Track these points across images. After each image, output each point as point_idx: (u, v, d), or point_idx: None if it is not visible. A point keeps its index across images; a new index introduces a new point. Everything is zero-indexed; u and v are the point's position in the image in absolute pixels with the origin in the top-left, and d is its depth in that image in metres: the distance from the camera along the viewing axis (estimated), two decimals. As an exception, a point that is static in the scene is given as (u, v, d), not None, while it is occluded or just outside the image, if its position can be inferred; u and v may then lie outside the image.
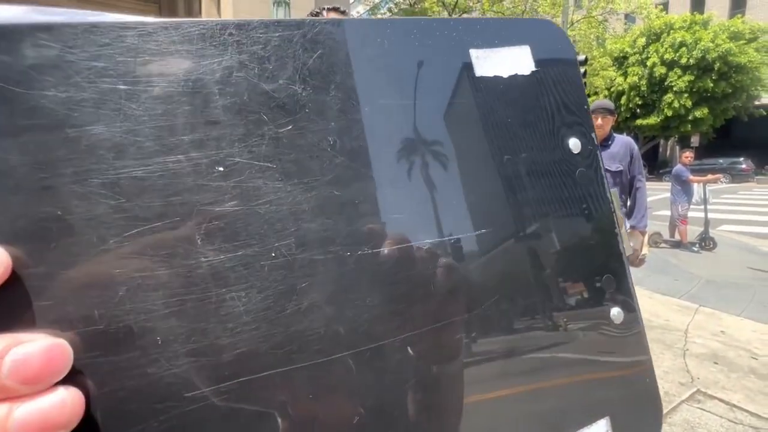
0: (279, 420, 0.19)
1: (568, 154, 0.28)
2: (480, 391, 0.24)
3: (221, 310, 0.18)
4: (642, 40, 17.98)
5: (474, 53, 0.26)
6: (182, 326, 0.18)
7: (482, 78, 0.26)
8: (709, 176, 5.92)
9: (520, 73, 0.27)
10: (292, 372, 0.19)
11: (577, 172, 0.28)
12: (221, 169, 0.19)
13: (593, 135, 0.29)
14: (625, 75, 18.45)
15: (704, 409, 2.17)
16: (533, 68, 0.28)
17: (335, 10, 1.15)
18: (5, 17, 0.16)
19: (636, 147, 2.84)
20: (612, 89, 18.49)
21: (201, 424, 0.18)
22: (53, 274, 0.16)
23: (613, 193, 0.30)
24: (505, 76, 0.27)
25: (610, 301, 0.28)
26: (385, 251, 0.22)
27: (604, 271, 0.28)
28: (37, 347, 0.14)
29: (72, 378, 0.15)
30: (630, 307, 0.29)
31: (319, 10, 1.14)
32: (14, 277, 0.15)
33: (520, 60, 0.27)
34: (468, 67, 0.26)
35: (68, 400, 0.14)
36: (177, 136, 0.18)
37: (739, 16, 18.38)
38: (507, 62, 0.27)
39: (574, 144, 0.28)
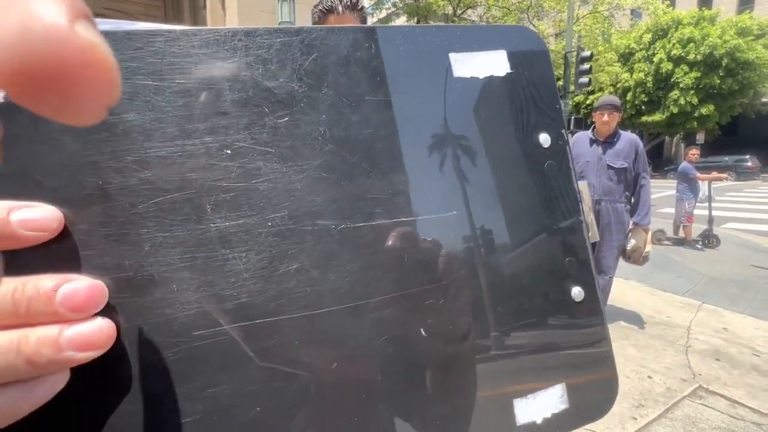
0: (268, 361, 0.23)
1: (537, 148, 0.31)
2: (448, 356, 0.28)
3: (225, 267, 0.22)
4: (648, 36, 17.82)
5: (453, 57, 0.29)
6: (193, 278, 0.22)
7: (459, 78, 0.29)
8: (714, 174, 5.87)
9: (495, 74, 0.31)
10: (282, 321, 0.23)
11: (546, 164, 0.31)
12: (229, 151, 0.23)
13: (563, 131, 0.32)
14: (630, 71, 18.31)
15: (706, 405, 2.18)
16: (508, 70, 0.31)
17: (353, 7, 1.13)
18: None
19: (641, 144, 2.83)
20: (618, 85, 18.37)
21: (206, 358, 0.22)
22: (94, 231, 0.20)
23: (584, 185, 0.32)
24: (481, 77, 0.30)
25: (572, 281, 0.31)
26: (364, 226, 0.26)
27: (567, 254, 0.32)
28: (82, 284, 0.18)
29: (107, 312, 0.19)
30: (589, 286, 0.32)
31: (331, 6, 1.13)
32: (65, 231, 0.19)
33: (496, 63, 0.31)
34: (447, 68, 0.29)
35: (104, 327, 0.18)
36: (193, 123, 0.22)
37: (748, 11, 18.15)
38: (484, 65, 0.30)
39: (544, 139, 0.32)
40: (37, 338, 0.16)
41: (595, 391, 0.32)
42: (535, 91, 0.32)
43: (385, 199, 0.26)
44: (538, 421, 0.29)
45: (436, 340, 0.27)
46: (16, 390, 0.16)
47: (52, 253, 0.19)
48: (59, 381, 0.17)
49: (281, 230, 0.24)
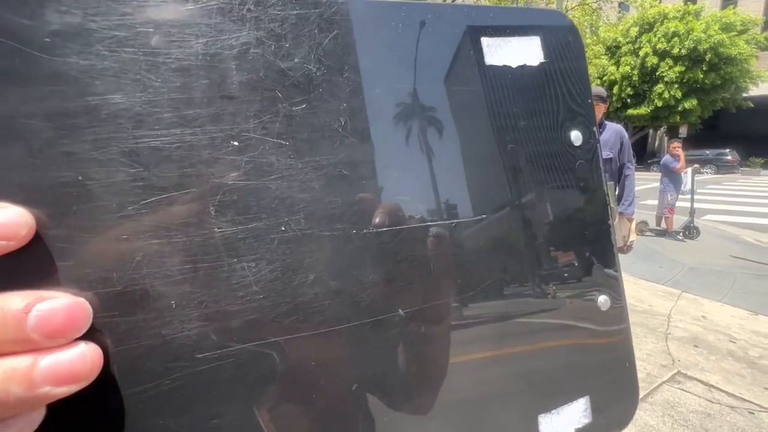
0: (282, 385, 0.20)
1: (568, 146, 0.29)
2: (472, 369, 0.26)
3: (232, 279, 0.19)
4: (635, 30, 17.97)
5: (485, 41, 0.26)
6: (195, 292, 0.18)
7: (491, 66, 0.26)
8: (682, 164, 5.82)
9: (528, 64, 0.27)
10: (297, 340, 0.20)
11: (577, 164, 0.29)
12: (236, 143, 0.20)
13: (594, 129, 0.30)
14: (617, 64, 18.49)
15: (684, 390, 2.25)
16: (542, 59, 0.28)
17: None
18: None
19: (626, 135, 2.87)
20: (604, 78, 18.53)
21: (210, 384, 0.19)
22: (74, 237, 0.17)
23: (609, 185, 0.31)
24: (514, 66, 0.27)
25: (599, 289, 0.29)
26: (389, 231, 0.22)
27: (594, 260, 0.29)
28: (60, 303, 0.15)
29: (92, 335, 0.16)
30: (617, 295, 0.30)
31: None
32: (38, 238, 0.16)
33: (529, 50, 0.28)
34: (478, 54, 0.26)
35: (88, 355, 0.15)
36: (194, 109, 0.19)
37: (731, 7, 18.46)
38: (517, 52, 0.27)
39: (576, 136, 0.29)
40: (4, 372, 0.13)
41: (617, 401, 0.30)
42: (568, 85, 0.29)
43: (413, 200, 0.23)
44: None
45: (462, 354, 0.25)
46: None
47: (21, 266, 0.16)
48: (32, 421, 0.14)
49: (296, 236, 0.20)
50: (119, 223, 0.17)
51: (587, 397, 0.29)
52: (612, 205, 0.30)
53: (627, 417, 0.31)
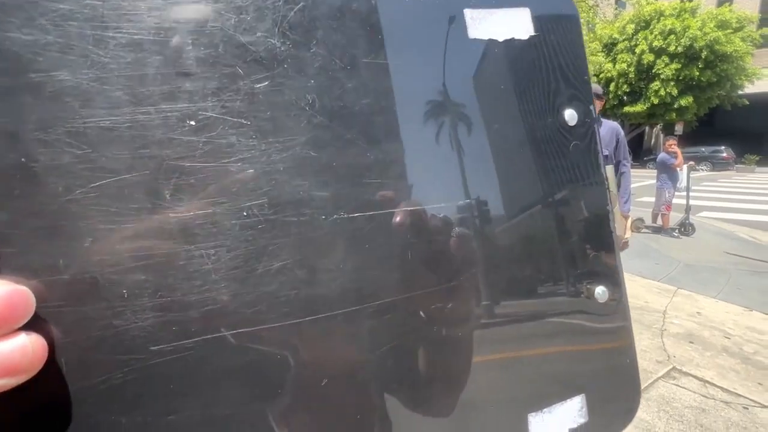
0: (242, 381, 0.19)
1: (562, 126, 0.27)
2: (465, 360, 0.24)
3: (189, 266, 0.18)
4: (631, 27, 17.99)
5: (468, 13, 0.25)
6: (149, 280, 0.18)
7: (475, 40, 0.25)
8: (680, 159, 5.89)
9: (517, 37, 0.26)
10: (260, 332, 0.19)
11: (571, 145, 0.27)
12: (192, 123, 0.19)
13: (592, 107, 0.28)
14: (613, 62, 18.51)
15: (679, 385, 2.26)
16: (532, 32, 0.26)
17: None
18: None
19: (622, 132, 2.87)
20: (601, 75, 18.55)
21: (165, 377, 0.18)
22: (17, 222, 0.16)
23: (609, 170, 0.30)
24: (501, 39, 0.25)
25: (596, 279, 0.28)
26: (360, 216, 0.21)
27: (591, 248, 0.28)
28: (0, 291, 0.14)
29: (35, 325, 0.15)
30: (616, 287, 0.28)
31: None
32: None
33: (518, 23, 0.26)
34: (461, 27, 0.25)
35: (29, 346, 0.15)
36: (147, 86, 0.18)
37: (727, 4, 18.49)
38: (504, 25, 0.25)
39: (570, 115, 0.27)
40: None
41: (616, 400, 0.29)
42: (562, 60, 0.27)
43: (386, 183, 0.22)
44: None
45: (444, 346, 0.23)
46: None
47: None
48: None
49: (259, 221, 0.19)
50: (66, 208, 0.16)
51: (583, 395, 0.27)
52: (612, 188, 0.29)
53: (627, 417, 0.29)
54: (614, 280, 0.28)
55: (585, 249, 0.28)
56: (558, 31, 0.27)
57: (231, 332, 0.19)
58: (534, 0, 0.27)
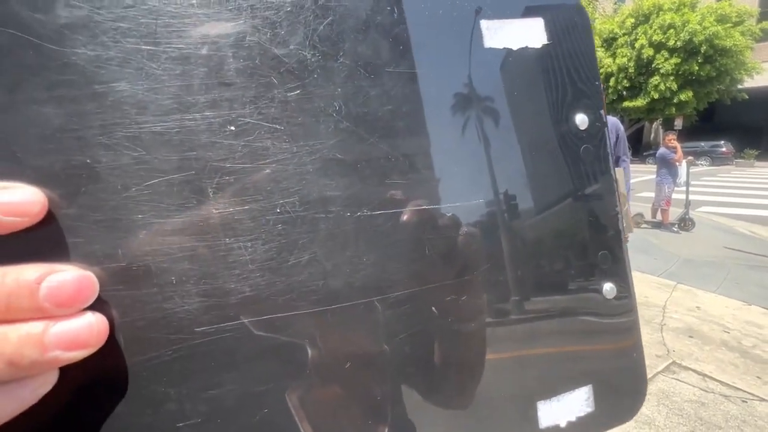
0: (275, 361, 0.21)
1: (574, 130, 0.28)
2: (473, 351, 0.26)
3: (229, 257, 0.20)
4: (631, 21, 17.93)
5: (484, 24, 0.26)
6: (194, 269, 0.20)
7: (490, 49, 0.26)
8: (680, 154, 5.89)
9: (531, 46, 0.27)
10: (291, 318, 0.21)
11: (582, 149, 0.28)
12: (233, 128, 0.20)
13: (602, 112, 0.29)
14: (613, 56, 18.47)
15: (678, 380, 2.28)
16: (545, 41, 0.27)
17: None
18: None
19: (621, 127, 2.88)
20: (601, 70, 18.50)
21: (208, 356, 0.20)
22: (83, 216, 0.18)
23: (620, 172, 0.31)
24: (515, 48, 0.27)
25: (604, 277, 0.29)
26: (383, 214, 0.23)
27: (600, 247, 0.29)
28: (69, 276, 0.16)
29: (98, 306, 0.17)
30: (624, 284, 0.30)
31: None
32: (50, 216, 0.17)
33: (532, 32, 0.27)
34: (477, 36, 0.26)
35: (95, 324, 0.16)
36: (193, 95, 0.20)
37: (727, -2, 18.45)
38: (518, 34, 0.27)
39: (581, 120, 0.28)
40: (19, 337, 0.15)
41: (623, 392, 0.30)
42: (573, 66, 0.28)
43: (407, 184, 0.24)
44: (562, 424, 0.28)
45: (458, 335, 0.25)
46: None
47: (35, 241, 0.17)
48: (46, 382, 0.16)
49: (291, 217, 0.21)
50: (124, 204, 0.19)
51: (590, 386, 0.29)
52: (621, 190, 0.30)
53: (633, 409, 0.30)
54: (622, 278, 0.30)
55: (594, 248, 0.29)
56: (570, 39, 0.28)
57: (266, 317, 0.21)
58: (547, 10, 0.28)
